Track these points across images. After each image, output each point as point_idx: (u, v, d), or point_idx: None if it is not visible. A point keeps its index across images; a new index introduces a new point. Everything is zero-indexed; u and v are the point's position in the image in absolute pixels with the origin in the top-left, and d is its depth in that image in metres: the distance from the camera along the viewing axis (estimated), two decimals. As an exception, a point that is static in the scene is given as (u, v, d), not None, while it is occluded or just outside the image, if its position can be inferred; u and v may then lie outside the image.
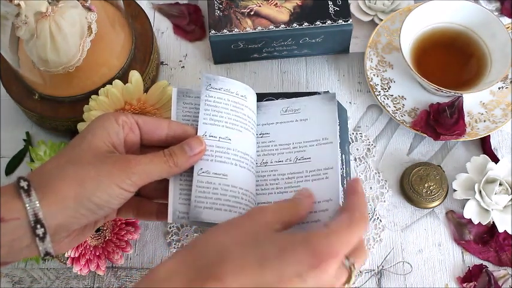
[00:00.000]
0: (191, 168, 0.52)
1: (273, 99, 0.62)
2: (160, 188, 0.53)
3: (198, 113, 0.54)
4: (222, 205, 0.51)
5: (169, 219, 0.51)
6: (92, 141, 0.47)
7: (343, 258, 0.42)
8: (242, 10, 0.70)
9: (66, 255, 0.58)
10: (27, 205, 0.44)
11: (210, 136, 0.53)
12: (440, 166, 0.66)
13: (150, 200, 0.55)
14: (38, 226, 0.44)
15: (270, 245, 0.41)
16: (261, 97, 0.61)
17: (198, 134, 0.53)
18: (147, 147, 0.52)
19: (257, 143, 0.57)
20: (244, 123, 0.56)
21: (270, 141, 0.57)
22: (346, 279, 0.42)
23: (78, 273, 0.59)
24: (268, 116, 0.59)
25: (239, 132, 0.55)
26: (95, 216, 0.47)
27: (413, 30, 0.68)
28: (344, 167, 0.60)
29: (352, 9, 0.73)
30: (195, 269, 0.40)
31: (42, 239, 0.44)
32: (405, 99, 0.68)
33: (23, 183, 0.44)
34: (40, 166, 0.47)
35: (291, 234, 0.42)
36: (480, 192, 0.61)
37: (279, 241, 0.41)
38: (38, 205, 0.44)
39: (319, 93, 0.62)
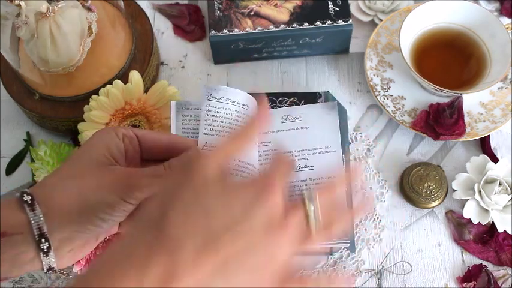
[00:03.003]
0: None
1: (273, 99, 0.62)
2: None
3: (198, 124, 0.54)
4: None
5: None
6: (93, 155, 0.47)
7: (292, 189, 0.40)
8: (242, 10, 0.70)
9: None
10: (31, 219, 0.43)
11: (210, 147, 0.53)
12: (440, 166, 0.66)
13: None
14: (43, 240, 0.44)
15: (214, 193, 0.37)
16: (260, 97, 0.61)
17: (198, 145, 0.52)
18: (147, 160, 0.52)
19: (259, 151, 0.57)
20: None
21: (272, 150, 0.57)
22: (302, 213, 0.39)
23: (78, 273, 0.59)
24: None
25: None
26: (99, 229, 0.47)
27: (413, 30, 0.68)
28: (344, 167, 0.60)
29: (352, 9, 0.73)
30: (139, 234, 0.37)
31: (46, 253, 0.44)
32: (405, 99, 0.68)
33: (27, 197, 0.44)
34: (42, 180, 0.47)
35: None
36: (480, 192, 0.61)
37: (222, 186, 0.38)
38: (42, 219, 0.44)
39: (318, 94, 0.62)
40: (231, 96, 0.56)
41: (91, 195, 0.45)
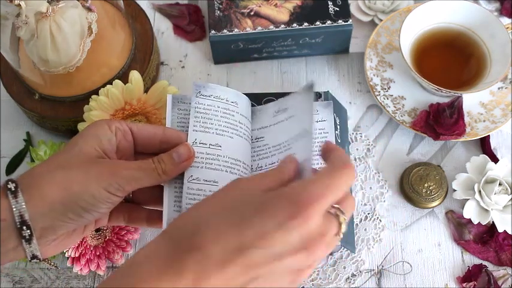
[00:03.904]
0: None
1: (273, 99, 0.62)
2: (154, 193, 0.53)
3: None
4: None
5: (164, 227, 0.51)
6: (83, 147, 0.48)
7: (329, 207, 0.40)
8: (242, 10, 0.70)
9: (66, 255, 0.58)
10: (13, 206, 0.44)
11: (200, 143, 0.53)
12: (440, 166, 0.66)
13: (141, 206, 0.55)
14: (24, 228, 0.44)
15: (247, 206, 0.39)
16: (260, 97, 0.61)
17: (188, 141, 0.53)
18: (142, 153, 0.52)
19: (252, 148, 0.57)
20: (235, 129, 0.56)
21: (265, 145, 0.57)
22: (337, 228, 0.40)
23: (79, 273, 0.59)
24: (262, 120, 0.59)
25: (230, 138, 0.55)
26: (83, 220, 0.47)
27: (413, 30, 0.68)
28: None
29: (352, 9, 0.73)
30: (172, 244, 0.39)
31: (29, 241, 0.44)
32: (405, 99, 0.68)
33: (11, 185, 0.45)
34: (30, 169, 0.47)
35: (267, 191, 0.40)
36: (480, 192, 0.61)
37: (255, 200, 0.40)
38: (24, 207, 0.44)
39: (318, 94, 0.62)
40: (219, 94, 0.56)
41: (76, 186, 0.45)
